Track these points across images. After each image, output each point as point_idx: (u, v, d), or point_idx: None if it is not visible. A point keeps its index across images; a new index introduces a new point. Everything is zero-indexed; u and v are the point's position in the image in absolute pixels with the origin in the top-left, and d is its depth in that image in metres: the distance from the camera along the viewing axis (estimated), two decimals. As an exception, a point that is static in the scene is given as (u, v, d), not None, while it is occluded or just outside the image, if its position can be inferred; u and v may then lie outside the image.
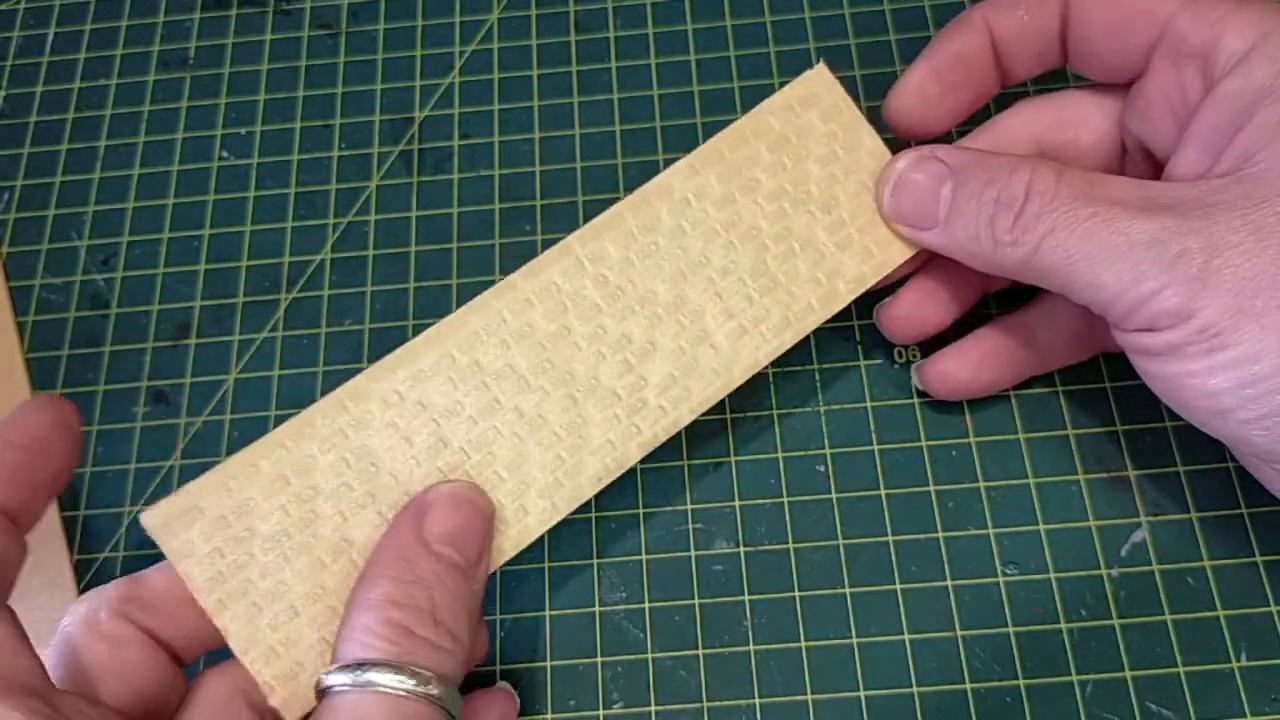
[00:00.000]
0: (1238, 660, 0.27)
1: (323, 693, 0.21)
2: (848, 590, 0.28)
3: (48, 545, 0.30)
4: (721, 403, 0.31)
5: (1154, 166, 0.27)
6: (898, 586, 0.28)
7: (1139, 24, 0.26)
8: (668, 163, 0.27)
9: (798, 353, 0.31)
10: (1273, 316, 0.21)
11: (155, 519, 0.24)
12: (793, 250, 0.27)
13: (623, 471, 0.26)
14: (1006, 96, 0.30)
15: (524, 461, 0.25)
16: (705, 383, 0.26)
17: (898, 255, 0.28)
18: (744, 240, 0.27)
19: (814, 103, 0.28)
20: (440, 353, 0.25)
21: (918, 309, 0.29)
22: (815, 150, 0.28)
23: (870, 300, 0.31)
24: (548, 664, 0.28)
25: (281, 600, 0.24)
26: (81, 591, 0.30)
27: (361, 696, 0.21)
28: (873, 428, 0.30)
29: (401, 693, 0.21)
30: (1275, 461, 0.23)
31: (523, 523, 0.25)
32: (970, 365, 0.29)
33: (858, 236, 0.27)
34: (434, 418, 0.25)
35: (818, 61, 0.28)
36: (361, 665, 0.21)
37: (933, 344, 0.30)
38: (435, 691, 0.21)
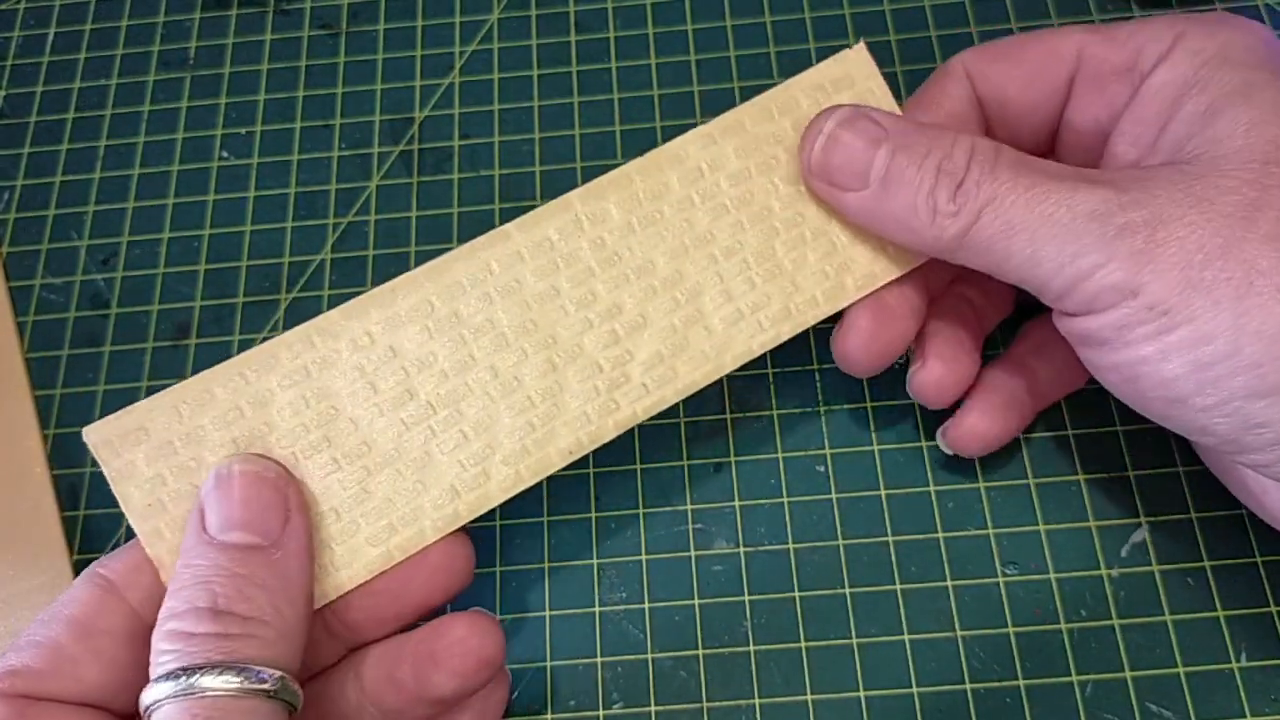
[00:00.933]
0: (1237, 661, 0.27)
1: (147, 713, 0.21)
2: (848, 590, 0.28)
3: (47, 545, 0.30)
4: (721, 403, 0.31)
5: None
6: (898, 587, 0.28)
7: (1047, 69, 0.26)
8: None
9: (798, 354, 0.31)
10: (1224, 289, 0.20)
11: (98, 435, 0.23)
12: (804, 238, 0.26)
13: (594, 448, 0.25)
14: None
15: (493, 424, 0.25)
16: (694, 366, 0.25)
17: (913, 257, 0.26)
18: (754, 221, 0.26)
19: (848, 85, 0.27)
20: (419, 298, 0.25)
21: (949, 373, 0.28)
22: None
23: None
24: (548, 664, 0.28)
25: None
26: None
27: (173, 706, 0.20)
28: (872, 428, 0.30)
29: (218, 692, 0.20)
30: (1243, 453, 0.22)
31: (483, 488, 0.24)
32: (998, 417, 0.28)
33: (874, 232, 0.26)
34: (404, 366, 0.24)
35: (857, 43, 0.27)
36: (172, 675, 0.20)
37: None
38: (263, 686, 0.20)
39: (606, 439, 0.25)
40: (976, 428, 0.28)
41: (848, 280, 0.26)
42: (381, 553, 0.24)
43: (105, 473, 0.23)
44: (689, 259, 0.26)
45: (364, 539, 0.24)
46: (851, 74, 0.27)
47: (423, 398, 0.24)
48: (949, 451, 0.29)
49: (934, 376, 0.27)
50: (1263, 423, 0.21)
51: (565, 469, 0.30)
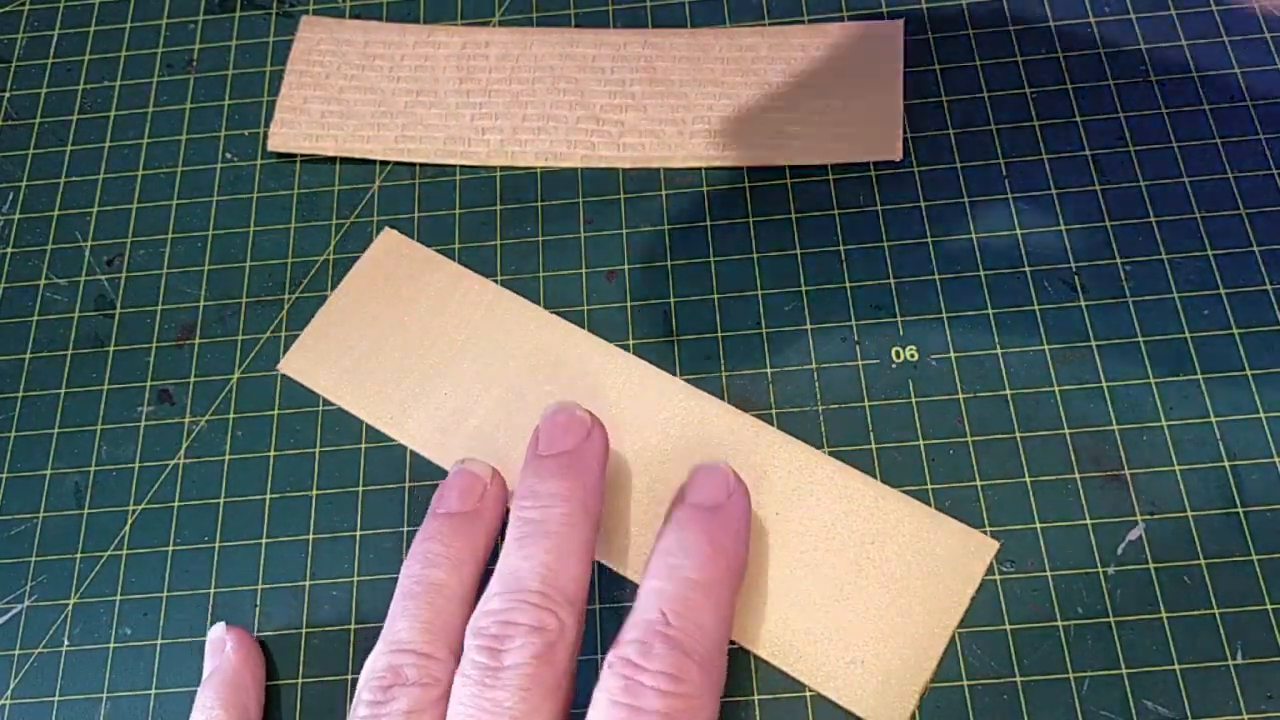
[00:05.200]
0: (1233, 658, 0.27)
1: None
2: (846, 588, 0.29)
3: (53, 543, 0.31)
4: (721, 401, 0.31)
5: None
6: (896, 584, 0.28)
7: None
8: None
9: (796, 353, 0.31)
10: None
11: (312, 19, 0.37)
12: (781, 108, 0.34)
13: (554, 166, 0.34)
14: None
15: (510, 115, 0.35)
16: (657, 149, 0.34)
17: (842, 156, 0.33)
18: (752, 86, 0.34)
19: (867, 37, 0.35)
20: (530, 40, 0.36)
21: None
22: (850, 70, 0.34)
23: (867, 286, 0.31)
24: (548, 661, 0.28)
25: (334, 105, 0.35)
26: (82, 588, 0.30)
27: None
28: (870, 427, 0.30)
29: None
30: None
31: (480, 151, 0.35)
32: None
33: (826, 129, 0.34)
34: (490, 68, 0.36)
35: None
36: None
37: (932, 340, 0.30)
38: None
39: (567, 165, 0.34)
40: None
41: (784, 145, 0.33)
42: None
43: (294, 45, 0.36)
44: (698, 88, 0.34)
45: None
46: (879, 43, 0.34)
47: (483, 86, 0.35)
48: None
49: None
50: None
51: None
